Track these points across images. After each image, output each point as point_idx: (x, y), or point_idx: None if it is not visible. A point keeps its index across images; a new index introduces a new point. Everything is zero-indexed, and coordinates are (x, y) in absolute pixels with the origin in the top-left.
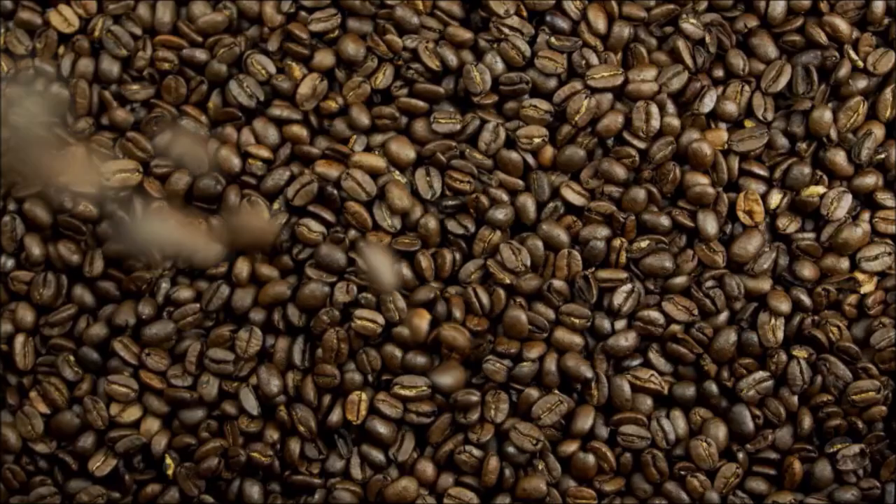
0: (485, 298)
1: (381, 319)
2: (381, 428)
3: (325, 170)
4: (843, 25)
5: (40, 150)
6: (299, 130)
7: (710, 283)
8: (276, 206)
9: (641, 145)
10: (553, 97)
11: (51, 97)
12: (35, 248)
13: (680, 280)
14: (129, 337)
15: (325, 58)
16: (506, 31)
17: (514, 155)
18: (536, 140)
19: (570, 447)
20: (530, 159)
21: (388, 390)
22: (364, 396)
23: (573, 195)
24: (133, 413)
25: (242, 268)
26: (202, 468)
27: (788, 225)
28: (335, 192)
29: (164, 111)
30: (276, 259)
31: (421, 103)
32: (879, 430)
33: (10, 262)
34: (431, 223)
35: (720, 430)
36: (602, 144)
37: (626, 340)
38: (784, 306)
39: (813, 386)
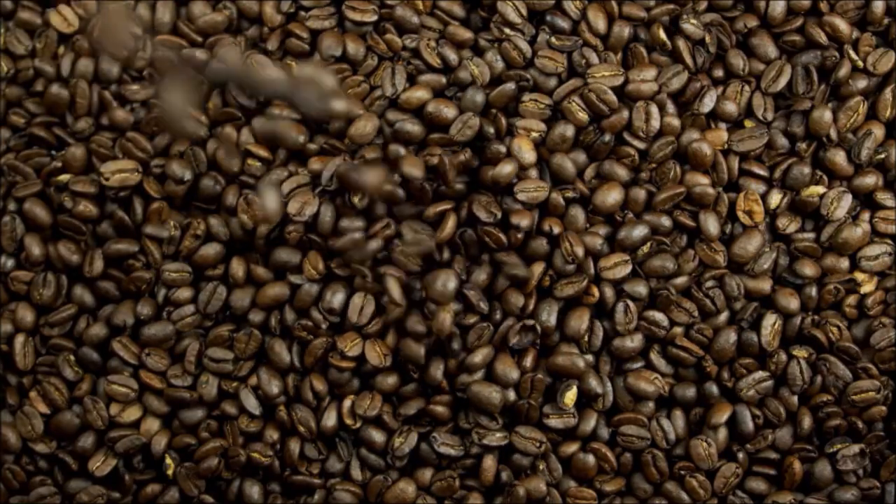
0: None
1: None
2: (377, 436)
3: (319, 167)
4: (843, 25)
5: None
6: (298, 129)
7: (710, 284)
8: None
9: (641, 145)
10: (552, 95)
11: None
12: (35, 248)
13: (681, 280)
14: (128, 337)
15: None
16: (506, 30)
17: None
18: (535, 134)
19: (571, 448)
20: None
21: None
22: (360, 402)
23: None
24: (133, 413)
25: (238, 268)
26: (202, 468)
27: (788, 225)
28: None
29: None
30: (270, 260)
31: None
32: (879, 430)
33: (10, 262)
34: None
35: (720, 430)
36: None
37: (632, 342)
38: (793, 305)
39: (813, 386)
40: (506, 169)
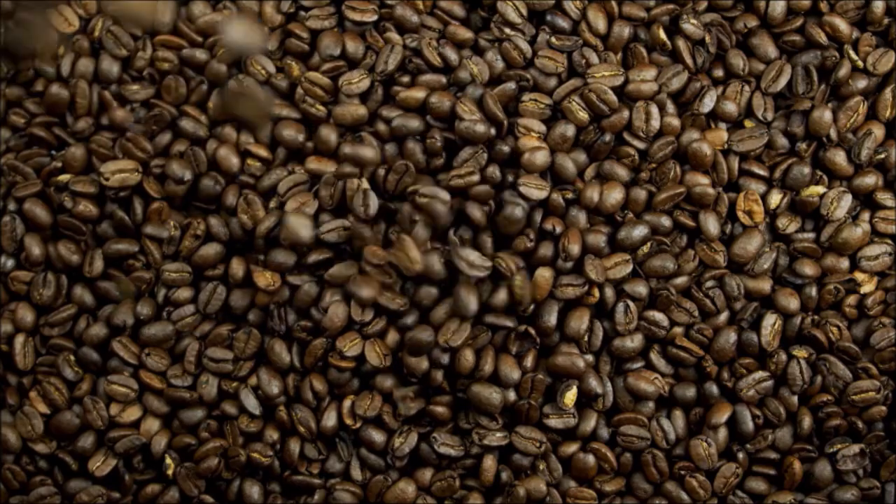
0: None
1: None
2: (377, 437)
3: (316, 166)
4: (843, 25)
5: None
6: (297, 129)
7: (710, 284)
8: (272, 204)
9: (641, 145)
10: (552, 95)
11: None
12: (35, 248)
13: (681, 280)
14: (128, 337)
15: None
16: (507, 30)
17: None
18: (535, 134)
19: (571, 448)
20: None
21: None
22: (360, 402)
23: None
24: (133, 413)
25: (238, 268)
26: (202, 468)
27: (788, 225)
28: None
29: (164, 111)
30: (267, 261)
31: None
32: (879, 430)
33: (10, 262)
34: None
35: (720, 430)
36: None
37: (633, 342)
38: (793, 305)
39: (813, 386)
40: (538, 159)
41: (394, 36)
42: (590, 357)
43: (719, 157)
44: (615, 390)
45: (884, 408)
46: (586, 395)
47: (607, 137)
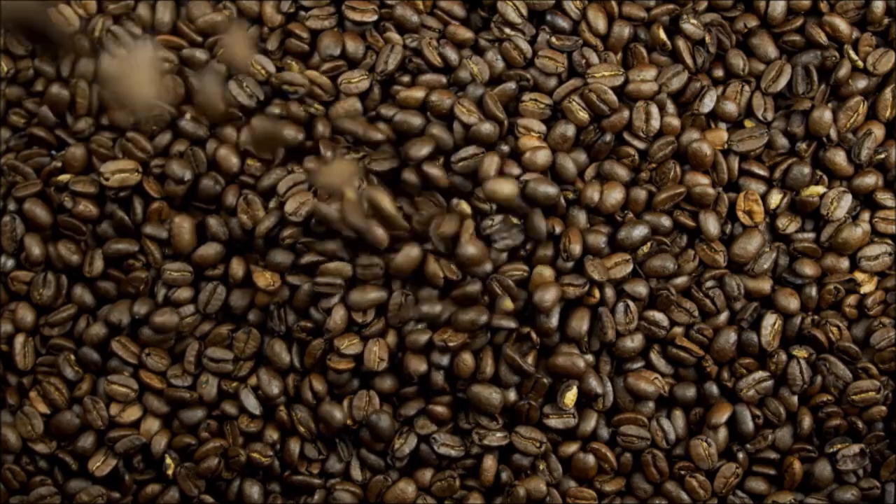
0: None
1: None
2: (377, 438)
3: (315, 166)
4: (843, 25)
5: None
6: (296, 129)
7: (710, 284)
8: (272, 204)
9: (641, 145)
10: (552, 95)
11: None
12: (35, 248)
13: (681, 280)
14: (128, 337)
15: None
16: (507, 30)
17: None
18: (534, 134)
19: (571, 448)
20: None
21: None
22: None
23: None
24: (133, 413)
25: (238, 268)
26: (202, 468)
27: (788, 225)
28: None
29: (164, 111)
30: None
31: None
32: (879, 430)
33: (10, 262)
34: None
35: (720, 430)
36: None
37: (633, 342)
38: (793, 305)
39: (813, 386)
40: (540, 159)
41: (394, 36)
42: (590, 357)
43: (719, 157)
44: (615, 390)
45: (884, 408)
46: (586, 395)
47: (607, 137)
